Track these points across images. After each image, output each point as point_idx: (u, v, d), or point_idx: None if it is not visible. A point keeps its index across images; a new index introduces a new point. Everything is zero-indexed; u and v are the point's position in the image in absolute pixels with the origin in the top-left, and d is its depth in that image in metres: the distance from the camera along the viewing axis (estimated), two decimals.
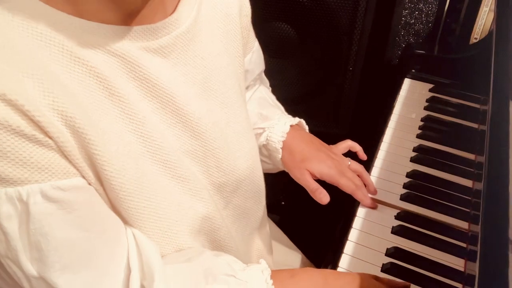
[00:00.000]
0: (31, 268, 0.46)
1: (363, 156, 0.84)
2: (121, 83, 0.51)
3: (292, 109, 1.11)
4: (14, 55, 0.44)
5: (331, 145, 0.82)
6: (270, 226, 0.85)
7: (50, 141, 0.45)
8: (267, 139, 0.78)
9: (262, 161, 0.78)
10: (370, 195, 0.78)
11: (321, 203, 0.75)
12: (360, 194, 0.76)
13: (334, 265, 0.69)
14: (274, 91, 0.90)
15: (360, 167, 0.80)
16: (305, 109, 1.18)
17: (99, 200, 0.51)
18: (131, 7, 0.51)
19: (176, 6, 0.57)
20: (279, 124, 0.78)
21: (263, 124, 0.79)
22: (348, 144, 0.83)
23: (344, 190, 0.76)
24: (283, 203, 1.36)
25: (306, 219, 1.30)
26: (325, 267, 0.71)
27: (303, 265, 0.90)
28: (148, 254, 0.53)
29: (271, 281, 0.57)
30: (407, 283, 0.65)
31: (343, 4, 1.02)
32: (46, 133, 0.45)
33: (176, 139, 0.57)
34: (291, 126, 0.79)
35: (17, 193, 0.44)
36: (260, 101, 0.83)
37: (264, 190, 0.76)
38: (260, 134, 0.78)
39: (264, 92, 0.86)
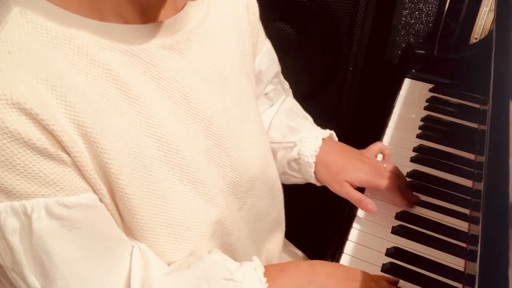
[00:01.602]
0: (35, 282, 0.46)
1: (386, 161, 0.81)
2: (138, 84, 0.50)
3: None
4: (28, 60, 0.44)
5: (362, 150, 0.81)
6: None
7: (63, 154, 0.45)
8: (299, 153, 0.76)
9: (290, 175, 0.78)
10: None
11: (369, 213, 0.73)
12: (408, 193, 0.76)
13: None
14: None
15: (396, 169, 0.78)
16: (305, 109, 1.17)
17: (104, 218, 0.51)
18: (146, 3, 0.50)
19: (186, 1, 0.56)
20: (310, 138, 0.76)
21: (293, 137, 0.77)
22: (379, 146, 0.81)
23: (387, 193, 0.76)
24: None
25: (306, 219, 1.29)
26: None
27: None
28: (151, 272, 0.53)
29: (264, 279, 0.58)
30: (396, 279, 0.66)
31: (343, 4, 1.02)
32: (59, 143, 0.44)
33: (194, 140, 0.57)
34: (322, 139, 0.77)
35: (23, 207, 0.44)
36: (289, 113, 0.82)
37: (281, 190, 0.75)
38: (292, 148, 0.76)
39: (291, 103, 0.85)
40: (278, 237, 0.80)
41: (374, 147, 0.81)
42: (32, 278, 0.46)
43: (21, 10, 0.45)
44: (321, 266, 0.64)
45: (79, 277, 0.48)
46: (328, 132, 0.79)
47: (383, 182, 0.74)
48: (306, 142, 0.76)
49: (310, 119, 0.84)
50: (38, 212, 0.44)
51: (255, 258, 0.61)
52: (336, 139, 0.82)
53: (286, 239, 0.94)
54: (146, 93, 0.51)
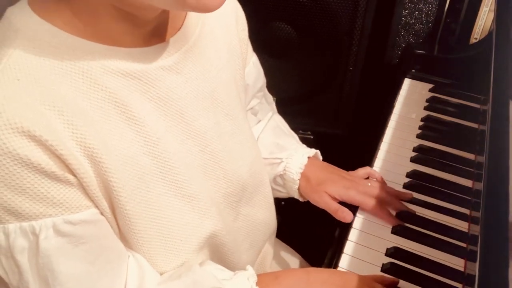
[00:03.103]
0: None
1: (376, 181, 0.81)
2: (138, 105, 0.52)
3: (292, 109, 1.11)
4: (36, 87, 0.45)
5: (350, 171, 0.81)
6: None
7: (69, 176, 0.47)
8: (284, 169, 0.77)
9: (274, 189, 0.79)
10: None
11: (345, 222, 0.74)
12: (383, 213, 0.74)
13: (334, 265, 0.69)
14: (274, 91, 0.90)
15: (383, 188, 0.77)
16: (305, 109, 1.18)
17: (106, 232, 0.53)
18: (143, 22, 0.51)
19: (183, 21, 0.58)
20: (296, 156, 0.78)
21: (280, 154, 0.78)
22: (368, 171, 0.81)
23: (366, 210, 0.75)
24: (282, 203, 1.36)
25: (306, 219, 1.29)
26: (325, 267, 0.71)
27: (301, 267, 0.89)
28: (147, 282, 0.55)
29: None
30: (396, 280, 0.66)
31: (343, 4, 1.02)
32: (67, 166, 0.46)
33: (189, 155, 0.58)
34: (308, 157, 0.78)
35: (31, 227, 0.46)
36: (276, 131, 0.83)
37: (272, 197, 0.76)
38: (278, 164, 0.78)
39: (278, 121, 0.86)
40: (271, 240, 0.82)
41: (363, 170, 0.81)
42: None
43: (28, 35, 0.46)
44: (316, 274, 0.64)
45: None
46: (313, 151, 0.81)
47: (364, 200, 0.74)
48: (292, 159, 0.77)
49: (296, 137, 0.86)
50: (46, 231, 0.46)
51: (248, 267, 0.62)
52: (321, 158, 0.83)
53: (283, 242, 0.94)
54: (144, 114, 0.52)
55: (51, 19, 0.47)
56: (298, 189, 0.78)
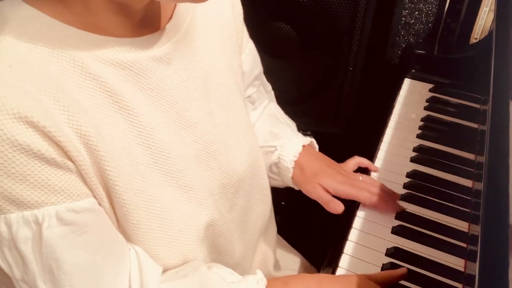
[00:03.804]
0: None
1: (375, 168, 0.84)
2: (130, 95, 0.51)
3: (292, 109, 1.11)
4: (29, 72, 0.44)
5: (340, 163, 0.82)
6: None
7: (68, 162, 0.46)
8: (279, 157, 0.78)
9: (270, 177, 0.79)
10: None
11: (336, 213, 0.75)
12: (380, 203, 0.76)
13: (334, 265, 0.69)
14: (274, 91, 0.90)
15: (372, 180, 0.80)
16: (305, 109, 1.18)
17: (107, 222, 0.52)
18: (134, 11, 0.51)
19: (173, 11, 0.57)
20: (291, 144, 0.78)
21: (274, 142, 0.78)
22: (357, 161, 0.83)
23: (362, 202, 0.76)
24: (283, 203, 1.36)
25: (306, 219, 1.29)
26: (325, 267, 0.71)
27: (302, 266, 0.90)
28: (147, 275, 0.54)
29: None
30: (404, 269, 0.66)
31: (343, 4, 1.02)
32: (65, 153, 0.46)
33: (182, 145, 0.58)
34: (303, 146, 0.79)
35: (34, 216, 0.45)
36: (271, 118, 0.83)
37: (269, 188, 0.76)
38: (272, 152, 0.78)
39: (274, 109, 0.86)
40: (270, 236, 0.82)
41: (352, 161, 0.83)
42: (42, 286, 0.47)
43: (18, 22, 0.46)
44: (329, 283, 0.64)
45: (87, 282, 0.49)
46: (308, 140, 0.81)
47: (359, 193, 0.76)
48: (286, 147, 0.78)
49: (292, 126, 0.86)
50: (49, 220, 0.46)
51: (258, 271, 0.62)
52: (317, 147, 0.84)
53: (284, 240, 0.94)
54: (137, 104, 0.52)
55: (42, 9, 0.47)
56: (292, 178, 0.78)
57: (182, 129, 0.58)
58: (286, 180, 0.79)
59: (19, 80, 0.44)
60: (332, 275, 0.67)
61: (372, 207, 0.76)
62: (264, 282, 0.60)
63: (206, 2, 0.49)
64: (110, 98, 0.50)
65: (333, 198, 0.75)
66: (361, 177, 0.79)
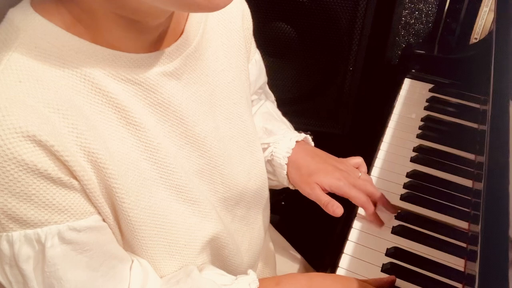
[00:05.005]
0: None
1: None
2: (138, 111, 0.51)
3: (292, 109, 1.11)
4: (38, 88, 0.44)
5: (342, 158, 0.79)
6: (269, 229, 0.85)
7: (74, 182, 0.46)
8: (271, 154, 0.75)
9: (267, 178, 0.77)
10: None
11: (335, 216, 0.71)
12: (372, 208, 0.73)
13: (334, 265, 0.69)
14: (274, 91, 0.90)
15: (369, 178, 0.77)
16: (305, 109, 1.18)
17: (109, 238, 0.52)
18: (147, 29, 0.50)
19: (184, 25, 0.57)
20: (284, 140, 0.76)
21: (268, 139, 0.77)
22: (358, 162, 0.79)
23: (354, 202, 0.74)
24: (283, 203, 1.36)
25: (306, 219, 1.30)
26: (325, 267, 0.72)
27: (301, 266, 0.90)
28: (149, 286, 0.54)
29: None
30: (392, 277, 0.65)
31: (343, 4, 1.02)
32: (71, 173, 0.45)
33: (186, 160, 0.58)
34: (296, 141, 0.76)
35: (36, 235, 0.45)
36: (265, 116, 0.82)
37: (268, 197, 0.75)
38: (265, 149, 0.76)
39: (269, 107, 0.85)
40: (267, 238, 0.81)
41: (354, 159, 0.80)
42: None
43: (30, 34, 0.45)
44: (319, 280, 0.64)
45: None
46: (303, 135, 0.78)
47: (353, 192, 0.72)
48: (279, 144, 0.75)
49: (287, 123, 0.84)
50: (51, 239, 0.45)
51: (250, 271, 0.62)
52: (312, 143, 0.81)
53: (284, 240, 0.94)
54: (145, 119, 0.52)
55: (53, 20, 0.46)
56: (288, 176, 0.75)
57: (188, 144, 0.57)
58: (281, 178, 0.77)
59: (28, 97, 0.43)
60: (322, 273, 0.67)
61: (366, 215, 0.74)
62: (256, 284, 0.60)
63: (215, 13, 0.48)
64: (118, 114, 0.50)
65: (332, 199, 0.72)
66: (360, 173, 0.77)
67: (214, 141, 0.60)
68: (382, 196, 0.75)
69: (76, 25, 0.47)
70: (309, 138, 0.80)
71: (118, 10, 0.46)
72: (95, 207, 0.49)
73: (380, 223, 0.74)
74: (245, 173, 0.66)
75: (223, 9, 0.44)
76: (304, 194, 0.76)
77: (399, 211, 0.77)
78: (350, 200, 0.74)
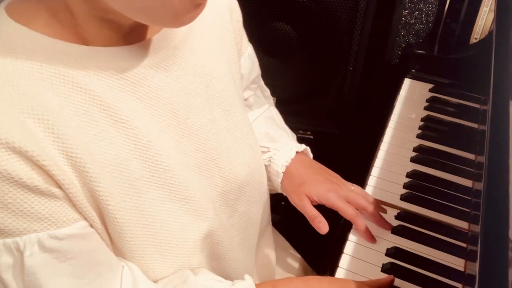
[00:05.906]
0: None
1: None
2: (126, 107, 0.50)
3: (292, 109, 1.11)
4: (14, 93, 0.43)
5: (337, 174, 0.77)
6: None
7: (54, 189, 0.45)
8: (270, 160, 0.74)
9: None
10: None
11: (320, 232, 0.69)
12: (361, 222, 0.71)
13: (334, 265, 0.69)
14: (274, 91, 0.90)
15: (363, 192, 0.75)
16: (305, 108, 1.18)
17: (95, 245, 0.51)
18: (125, 25, 0.50)
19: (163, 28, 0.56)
20: (285, 148, 0.75)
21: (268, 144, 0.76)
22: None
23: (342, 215, 0.72)
24: (283, 203, 1.36)
25: (306, 219, 1.30)
26: (325, 267, 0.71)
27: (301, 266, 0.90)
28: None
29: None
30: (391, 277, 0.65)
31: (343, 4, 1.02)
32: (51, 178, 0.45)
33: (185, 155, 0.57)
34: (296, 152, 0.76)
35: (15, 244, 0.44)
36: (268, 121, 0.81)
37: (268, 194, 0.75)
38: (264, 153, 0.75)
39: (273, 113, 0.84)
40: (268, 237, 0.81)
41: (353, 187, 0.76)
42: None
43: (3, 41, 0.45)
44: (315, 283, 0.63)
45: None
46: (303, 147, 0.78)
47: (343, 205, 0.70)
48: (279, 151, 0.75)
49: (289, 132, 0.84)
50: (31, 248, 0.45)
51: (247, 276, 0.61)
52: (311, 155, 0.80)
53: (283, 240, 0.94)
54: (134, 115, 0.51)
55: (29, 23, 0.46)
56: (281, 185, 0.75)
57: (184, 137, 0.57)
58: (275, 185, 0.75)
59: (2, 103, 0.42)
60: (318, 276, 0.67)
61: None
62: None
63: (206, 8, 0.48)
64: (103, 113, 0.49)
65: (320, 215, 0.70)
66: (353, 187, 0.75)
67: (210, 133, 0.59)
68: (376, 212, 0.73)
69: (53, 24, 0.46)
70: (309, 150, 0.80)
71: (97, 13, 0.46)
72: (80, 212, 0.48)
73: (372, 240, 0.71)
74: (245, 166, 0.66)
75: (211, 2, 0.44)
76: (292, 203, 0.75)
77: (399, 211, 0.77)
78: (339, 212, 0.72)
